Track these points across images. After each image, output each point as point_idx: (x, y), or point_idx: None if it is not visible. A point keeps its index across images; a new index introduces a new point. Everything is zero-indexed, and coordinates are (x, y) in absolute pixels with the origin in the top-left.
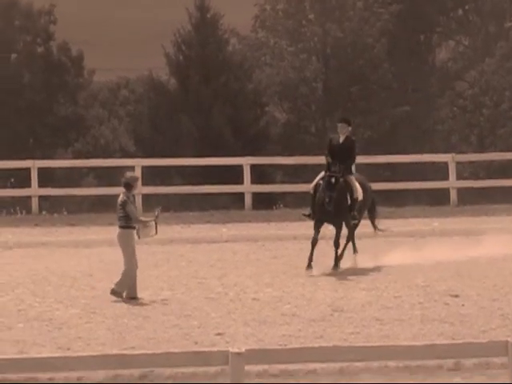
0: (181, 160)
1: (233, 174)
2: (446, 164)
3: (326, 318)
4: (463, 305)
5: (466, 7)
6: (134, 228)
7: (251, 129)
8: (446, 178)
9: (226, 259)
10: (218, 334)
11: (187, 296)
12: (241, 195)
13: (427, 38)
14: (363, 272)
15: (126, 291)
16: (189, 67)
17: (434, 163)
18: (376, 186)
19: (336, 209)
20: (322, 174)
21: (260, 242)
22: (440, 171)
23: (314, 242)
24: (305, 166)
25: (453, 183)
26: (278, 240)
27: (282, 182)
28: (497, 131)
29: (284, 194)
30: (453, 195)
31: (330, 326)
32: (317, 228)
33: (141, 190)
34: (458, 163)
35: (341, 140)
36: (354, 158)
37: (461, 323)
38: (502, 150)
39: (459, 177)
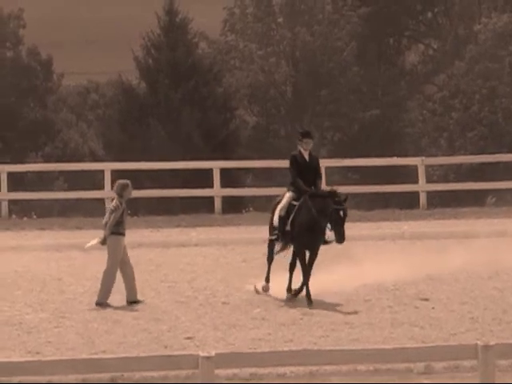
0: (150, 164)
1: (202, 178)
2: (415, 167)
3: (296, 321)
4: (433, 308)
5: (435, 10)
6: (123, 235)
7: (221, 132)
8: (415, 181)
9: (195, 263)
10: (188, 338)
11: (157, 300)
12: (210, 199)
13: (396, 42)
14: (333, 275)
15: (98, 296)
16: (158, 71)
17: (403, 166)
18: (345, 189)
19: (322, 235)
20: (290, 195)
21: (230, 245)
22: (409, 174)
23: (293, 268)
24: (274, 170)
25: (422, 186)
26: (248, 244)
27: (252, 186)
28: (466, 134)
29: (254, 197)
30: (422, 198)
31: (299, 330)
32: (302, 255)
33: (105, 194)
34: (427, 166)
35: (306, 157)
36: (321, 176)
37: (431, 326)
38: (471, 153)
39: (429, 180)
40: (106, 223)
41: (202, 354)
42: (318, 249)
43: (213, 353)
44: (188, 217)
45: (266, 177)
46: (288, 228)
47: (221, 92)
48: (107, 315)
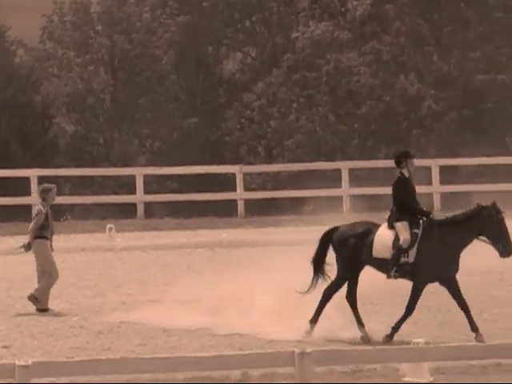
0: None
1: (20, 186)
2: (233, 175)
3: (114, 329)
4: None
5: (254, 19)
6: (49, 239)
7: (39, 141)
8: (233, 189)
9: (12, 271)
10: (5, 347)
11: None
12: (28, 207)
13: (215, 50)
14: (148, 283)
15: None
16: None
17: (221, 174)
18: (163, 198)
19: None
20: (405, 224)
21: None
22: (228, 182)
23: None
24: (92, 178)
25: (240, 194)
26: (66, 252)
27: (70, 194)
28: (284, 142)
29: (72, 205)
30: (240, 206)
31: (117, 338)
32: (422, 290)
33: None
34: (245, 174)
35: (411, 180)
36: None
37: (249, 335)
38: (289, 161)
39: (247, 188)
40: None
41: (18, 362)
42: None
43: (30, 361)
44: (5, 225)
45: (84, 185)
46: (408, 260)
47: (39, 100)
48: None
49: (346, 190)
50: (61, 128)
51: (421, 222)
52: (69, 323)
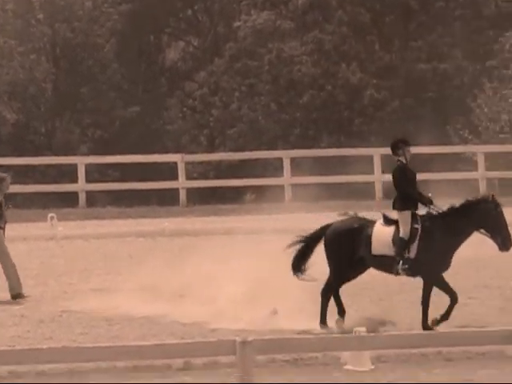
0: None
1: None
2: (175, 164)
3: (55, 318)
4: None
5: (196, 7)
6: (1, 228)
7: None
8: (175, 178)
9: None
10: None
11: None
12: None
13: (157, 39)
14: (90, 272)
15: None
16: None
17: (163, 163)
18: (105, 187)
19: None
20: (407, 217)
21: None
22: (170, 171)
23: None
24: (34, 167)
25: (182, 183)
26: (7, 241)
27: (12, 183)
28: (226, 131)
29: (14, 194)
30: (182, 195)
31: (59, 327)
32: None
33: None
34: (187, 163)
35: (410, 168)
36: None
37: (192, 324)
38: (231, 150)
39: (188, 177)
40: None
41: None
42: None
43: None
44: None
45: (26, 174)
46: (409, 255)
47: None
48: None
49: (287, 179)
50: (2, 117)
51: (418, 217)
52: (10, 312)
